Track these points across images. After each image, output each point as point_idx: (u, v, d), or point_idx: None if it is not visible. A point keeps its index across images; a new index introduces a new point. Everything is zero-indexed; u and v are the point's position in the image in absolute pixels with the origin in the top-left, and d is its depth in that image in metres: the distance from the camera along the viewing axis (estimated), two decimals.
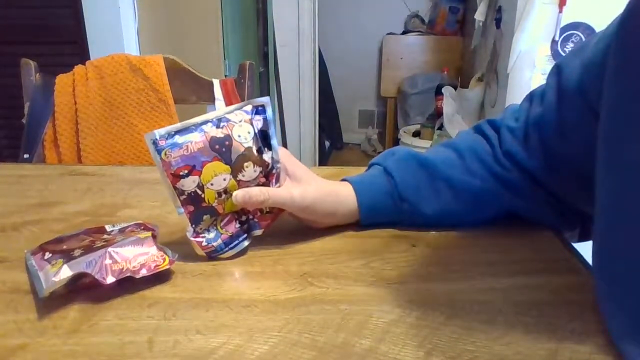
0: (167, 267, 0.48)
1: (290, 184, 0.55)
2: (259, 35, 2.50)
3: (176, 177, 0.49)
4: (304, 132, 2.86)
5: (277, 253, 0.54)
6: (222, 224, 0.53)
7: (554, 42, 1.66)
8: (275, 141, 0.54)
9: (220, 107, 1.16)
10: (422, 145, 2.63)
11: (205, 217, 0.51)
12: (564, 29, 1.65)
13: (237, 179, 0.51)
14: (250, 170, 0.52)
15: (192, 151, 0.49)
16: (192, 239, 0.51)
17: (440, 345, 0.39)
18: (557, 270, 0.51)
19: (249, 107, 0.53)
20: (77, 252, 0.46)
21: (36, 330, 0.41)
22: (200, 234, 0.52)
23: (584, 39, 1.65)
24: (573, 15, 1.64)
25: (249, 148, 0.51)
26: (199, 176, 0.50)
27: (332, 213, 0.57)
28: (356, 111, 3.86)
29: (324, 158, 3.30)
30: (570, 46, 1.66)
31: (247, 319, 0.43)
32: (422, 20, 3.48)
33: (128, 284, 0.46)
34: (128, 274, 0.45)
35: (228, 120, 0.51)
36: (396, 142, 3.20)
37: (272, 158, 0.53)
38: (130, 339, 0.40)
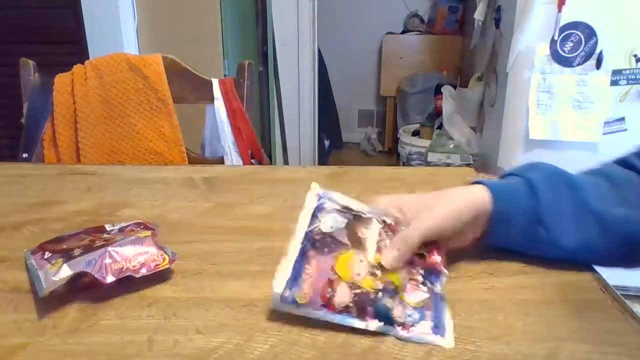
0: (167, 266, 0.47)
1: (415, 219, 0.48)
2: (259, 34, 2.50)
3: (329, 306, 0.41)
4: (304, 132, 2.86)
5: (277, 253, 0.54)
6: (407, 297, 0.44)
7: (553, 41, 1.66)
8: (353, 203, 0.50)
9: (219, 106, 1.16)
10: (421, 145, 2.63)
11: (387, 301, 0.42)
12: (563, 29, 1.65)
13: (370, 248, 0.46)
14: (368, 232, 0.47)
15: (315, 274, 0.43)
16: (409, 335, 0.41)
17: (440, 345, 0.39)
18: (557, 270, 0.51)
19: (314, 202, 0.49)
20: (77, 252, 0.46)
21: (36, 330, 0.41)
22: (407, 323, 0.42)
23: (583, 38, 1.65)
24: (572, 15, 1.64)
25: (346, 224, 0.47)
26: (341, 282, 0.42)
27: (472, 220, 0.49)
28: (356, 110, 3.86)
29: (324, 157, 3.30)
30: (569, 45, 1.66)
31: (247, 318, 0.43)
32: (422, 20, 3.48)
33: (128, 284, 0.46)
34: (128, 274, 0.45)
35: (314, 224, 0.47)
36: (396, 141, 3.20)
37: (368, 212, 0.49)
38: (130, 339, 0.40)
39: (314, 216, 0.47)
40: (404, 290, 0.44)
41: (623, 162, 0.54)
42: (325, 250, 0.45)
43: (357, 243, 0.46)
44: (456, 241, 0.51)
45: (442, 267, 0.47)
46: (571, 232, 0.49)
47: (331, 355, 0.38)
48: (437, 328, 0.41)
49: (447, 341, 0.40)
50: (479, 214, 0.49)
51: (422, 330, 0.40)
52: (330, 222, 0.47)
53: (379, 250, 0.46)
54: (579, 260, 0.50)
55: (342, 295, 0.41)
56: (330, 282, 0.41)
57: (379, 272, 0.44)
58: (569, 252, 0.49)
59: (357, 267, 0.44)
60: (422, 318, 0.41)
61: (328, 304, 0.40)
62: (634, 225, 0.48)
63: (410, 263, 0.46)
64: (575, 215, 0.49)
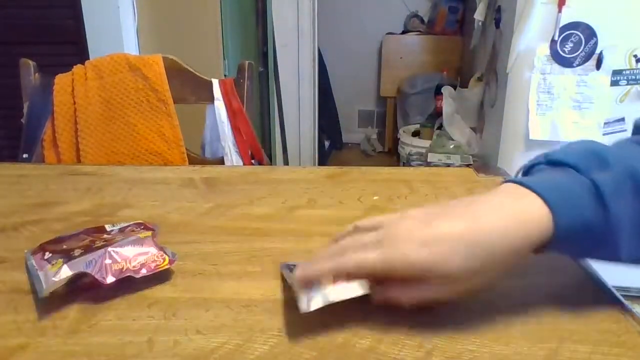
0: (167, 266, 0.48)
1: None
2: (259, 35, 2.50)
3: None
4: (304, 132, 2.86)
5: (277, 253, 0.54)
6: None
7: (553, 42, 1.66)
8: None
9: (219, 107, 1.16)
10: (421, 145, 2.63)
11: None
12: (563, 29, 1.65)
13: None
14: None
15: None
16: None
17: (440, 345, 0.39)
18: (557, 270, 0.51)
19: None
20: (77, 252, 0.46)
21: (36, 330, 0.41)
22: None
23: (583, 38, 1.65)
24: (572, 15, 1.64)
25: None
26: None
27: (516, 250, 0.37)
28: (356, 111, 3.86)
29: (324, 158, 3.30)
30: (569, 46, 1.66)
31: (247, 319, 0.43)
32: (422, 20, 3.48)
33: (128, 284, 0.46)
34: (128, 274, 0.45)
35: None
36: (396, 141, 3.20)
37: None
38: (130, 339, 0.40)
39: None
40: None
41: None
42: None
43: None
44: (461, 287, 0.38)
45: None
46: (633, 246, 0.39)
47: (331, 356, 0.38)
48: None
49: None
50: (534, 246, 0.37)
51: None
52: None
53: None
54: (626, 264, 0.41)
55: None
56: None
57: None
58: (621, 262, 0.40)
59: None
60: None
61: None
62: None
63: None
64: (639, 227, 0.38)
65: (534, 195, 0.37)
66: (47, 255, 0.47)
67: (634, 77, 1.68)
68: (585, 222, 0.37)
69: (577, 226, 0.37)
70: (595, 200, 0.37)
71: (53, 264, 0.45)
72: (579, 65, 1.67)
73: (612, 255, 0.39)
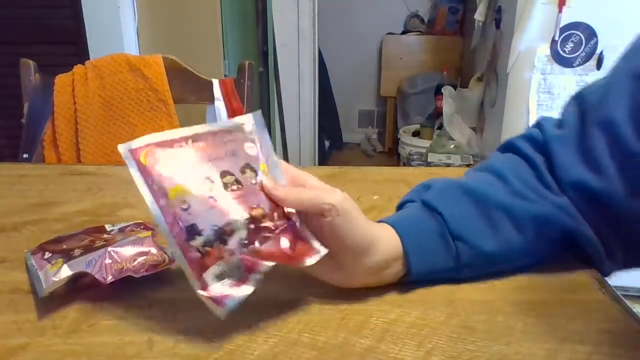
0: (167, 266, 0.48)
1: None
2: (259, 34, 2.50)
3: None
4: (304, 132, 2.86)
5: None
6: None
7: (553, 42, 1.66)
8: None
9: (219, 107, 1.16)
10: (421, 145, 2.63)
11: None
12: (564, 29, 1.65)
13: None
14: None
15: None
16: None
17: (440, 345, 0.39)
18: (557, 270, 0.51)
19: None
20: (77, 252, 0.46)
21: (36, 330, 0.41)
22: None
23: (583, 39, 1.65)
24: (573, 15, 1.64)
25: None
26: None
27: (366, 251, 0.43)
28: (356, 111, 3.86)
29: (324, 158, 3.30)
30: (570, 46, 1.66)
31: (247, 318, 0.43)
32: (422, 20, 3.48)
33: (128, 284, 0.46)
34: (128, 274, 0.45)
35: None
36: (396, 141, 3.21)
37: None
38: (130, 339, 0.40)
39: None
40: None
41: (509, 147, 0.55)
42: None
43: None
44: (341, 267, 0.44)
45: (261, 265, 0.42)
46: (488, 234, 0.47)
47: (331, 355, 0.38)
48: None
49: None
50: (395, 257, 0.45)
51: None
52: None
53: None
54: (507, 262, 0.48)
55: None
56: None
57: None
58: (496, 257, 0.47)
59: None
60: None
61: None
62: (536, 211, 0.47)
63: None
64: (484, 216, 0.47)
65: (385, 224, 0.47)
66: (47, 255, 0.47)
67: None
68: (426, 229, 0.46)
69: (422, 235, 0.46)
70: (426, 211, 0.48)
71: (53, 264, 0.45)
72: (579, 65, 1.67)
73: (476, 248, 0.46)
